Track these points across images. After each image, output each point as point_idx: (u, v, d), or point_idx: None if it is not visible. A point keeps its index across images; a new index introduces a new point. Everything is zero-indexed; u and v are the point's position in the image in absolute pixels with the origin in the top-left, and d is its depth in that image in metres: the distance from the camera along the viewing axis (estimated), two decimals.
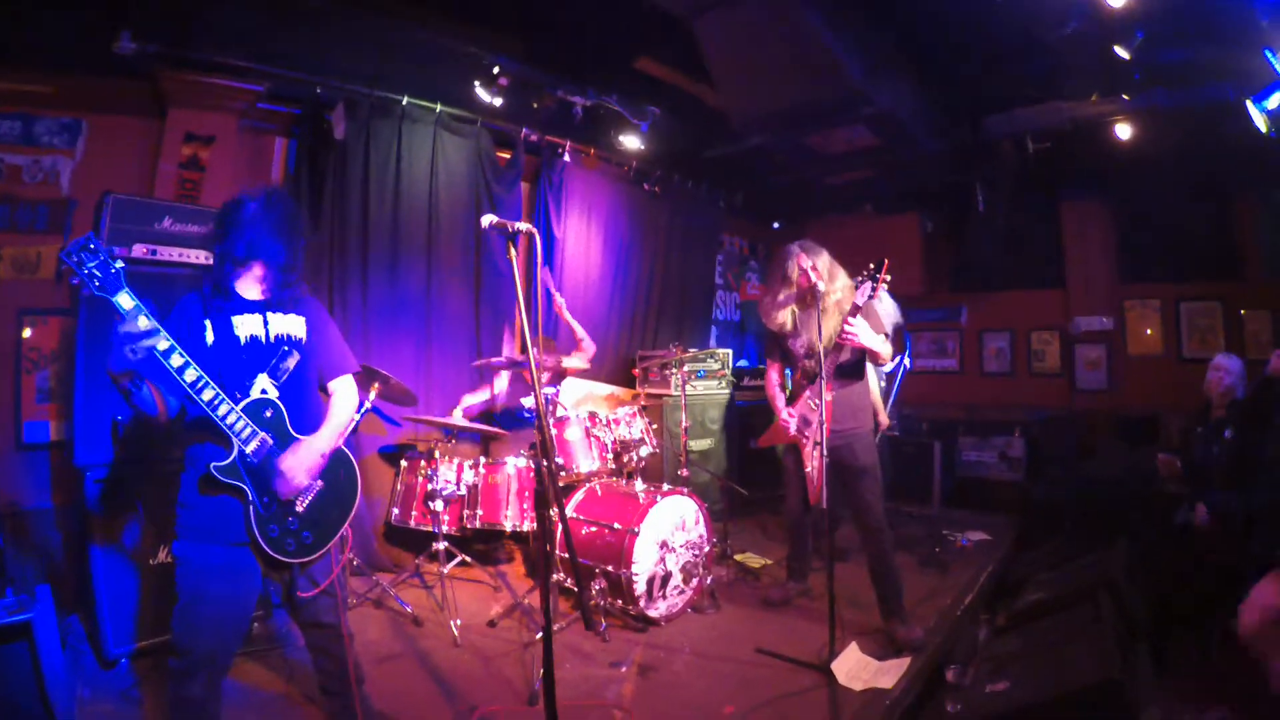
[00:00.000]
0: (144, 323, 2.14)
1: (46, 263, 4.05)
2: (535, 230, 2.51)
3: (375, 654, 3.67)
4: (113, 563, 3.39)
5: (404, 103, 5.04)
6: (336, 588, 2.72)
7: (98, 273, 2.14)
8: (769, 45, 4.67)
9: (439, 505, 4.33)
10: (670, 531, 4.18)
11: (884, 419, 5.10)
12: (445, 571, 4.35)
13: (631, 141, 5.83)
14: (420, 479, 4.57)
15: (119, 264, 2.17)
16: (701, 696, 3.34)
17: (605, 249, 6.62)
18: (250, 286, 2.58)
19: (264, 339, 2.55)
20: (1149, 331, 7.17)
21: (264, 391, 2.51)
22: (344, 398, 2.80)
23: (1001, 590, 4.92)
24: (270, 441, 2.45)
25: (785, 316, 4.05)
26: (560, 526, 2.57)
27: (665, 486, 4.46)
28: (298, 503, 2.52)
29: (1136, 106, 5.37)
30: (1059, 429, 7.23)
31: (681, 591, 4.26)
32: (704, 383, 6.41)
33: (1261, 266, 6.52)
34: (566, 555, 4.03)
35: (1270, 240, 6.42)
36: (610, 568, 4.00)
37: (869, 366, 4.16)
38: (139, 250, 3.53)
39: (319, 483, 2.58)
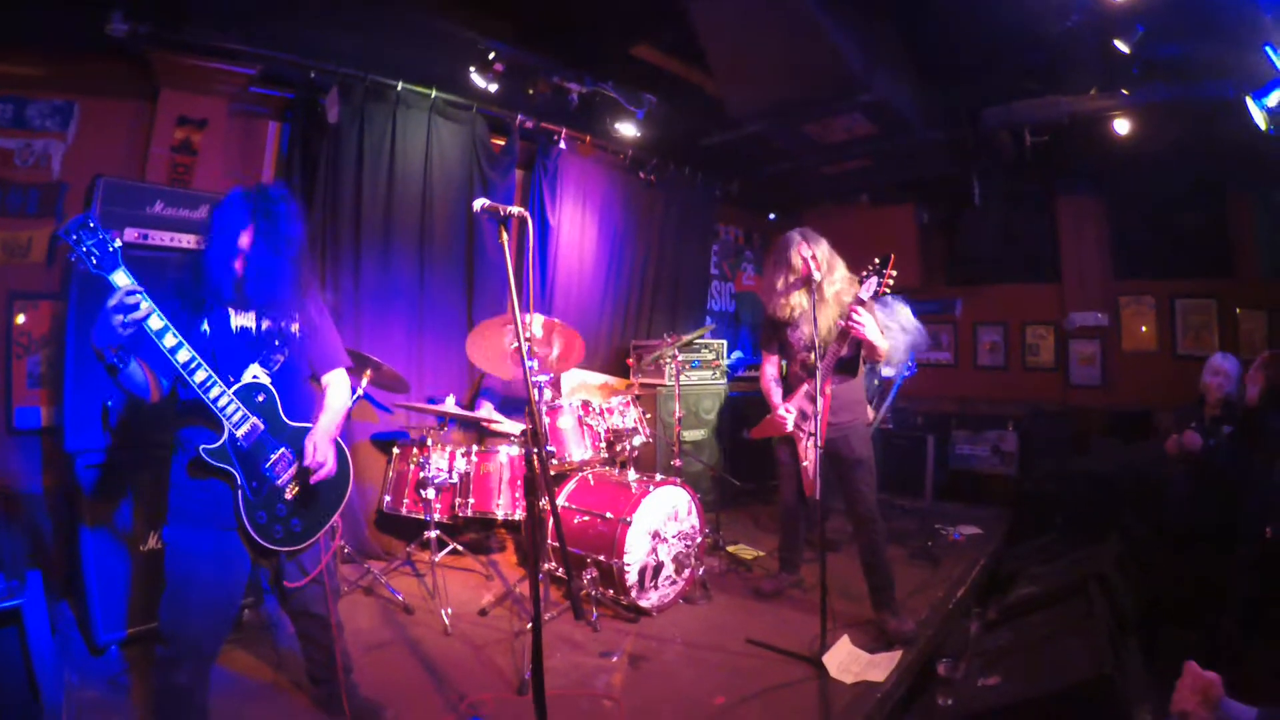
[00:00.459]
0: (137, 299, 2.13)
1: (37, 246, 4.01)
2: (527, 214, 2.50)
3: (365, 642, 3.66)
4: (103, 548, 3.37)
5: (399, 88, 5.00)
6: (326, 577, 2.72)
7: (95, 251, 2.14)
8: (766, 31, 4.63)
9: (431, 493, 4.31)
10: (663, 522, 4.18)
11: (870, 413, 5.10)
12: (436, 560, 4.35)
13: (627, 129, 5.80)
14: (412, 466, 4.56)
15: (117, 243, 2.18)
16: (692, 687, 3.34)
17: (600, 237, 6.59)
18: None
19: (255, 330, 2.55)
20: (1143, 328, 7.17)
21: (256, 377, 2.50)
22: (339, 387, 2.81)
23: (993, 584, 4.93)
24: (261, 426, 2.45)
25: (792, 303, 4.00)
26: (551, 516, 2.57)
27: (658, 476, 4.46)
28: (287, 490, 2.52)
29: (1135, 102, 5.35)
30: (1052, 424, 7.24)
31: (673, 582, 4.26)
32: (698, 373, 6.41)
33: (1257, 265, 6.52)
34: (558, 544, 4.05)
35: (1267, 239, 6.41)
36: (602, 557, 3.99)
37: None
38: (130, 234, 3.50)
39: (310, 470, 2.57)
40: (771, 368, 4.27)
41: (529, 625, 3.69)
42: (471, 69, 4.93)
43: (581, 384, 5.95)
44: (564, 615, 3.98)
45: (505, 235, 2.42)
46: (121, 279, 2.14)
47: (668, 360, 5.36)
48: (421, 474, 4.38)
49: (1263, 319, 6.46)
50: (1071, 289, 7.53)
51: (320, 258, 4.75)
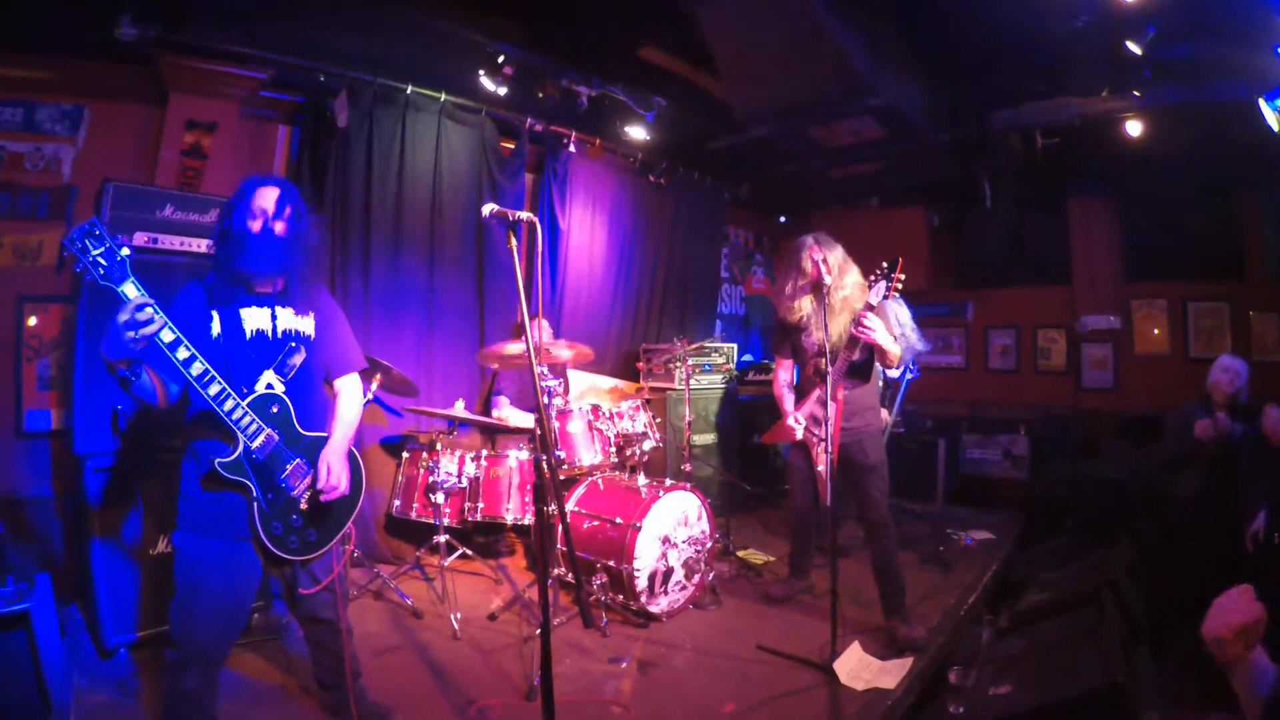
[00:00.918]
0: (149, 313, 2.09)
1: (48, 250, 4.02)
2: (536, 219, 2.48)
3: (374, 646, 3.66)
4: (112, 552, 3.37)
5: (408, 91, 5.01)
6: (336, 584, 2.71)
7: (102, 260, 2.09)
8: (773, 34, 4.62)
9: (440, 497, 4.30)
10: (673, 527, 4.16)
11: (885, 416, 5.07)
12: (446, 564, 4.34)
13: (637, 132, 5.80)
14: (421, 471, 4.55)
15: (125, 251, 2.13)
16: (701, 694, 3.32)
17: (609, 241, 6.58)
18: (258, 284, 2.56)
19: (270, 334, 2.53)
20: (1155, 331, 7.13)
21: (270, 387, 2.48)
22: (350, 396, 2.79)
23: (1004, 590, 4.89)
24: (276, 438, 2.43)
25: (802, 307, 3.98)
26: (560, 522, 2.55)
27: (668, 481, 4.43)
28: (302, 501, 2.50)
29: (1146, 104, 5.32)
30: (1063, 428, 7.20)
31: (683, 587, 4.24)
32: (708, 377, 6.39)
33: (1269, 268, 6.47)
34: (567, 550, 4.03)
35: (1277, 241, 6.36)
36: (612, 563, 3.98)
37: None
38: (140, 238, 3.50)
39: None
40: (785, 373, 4.24)
41: (538, 631, 3.68)
42: (480, 72, 4.94)
43: (591, 388, 5.93)
44: (573, 621, 3.95)
45: (514, 240, 2.41)
46: (131, 290, 2.10)
47: (678, 364, 5.35)
48: (431, 478, 4.36)
49: (1275, 322, 6.42)
50: (1083, 292, 7.48)
51: (330, 261, 4.75)
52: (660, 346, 6.31)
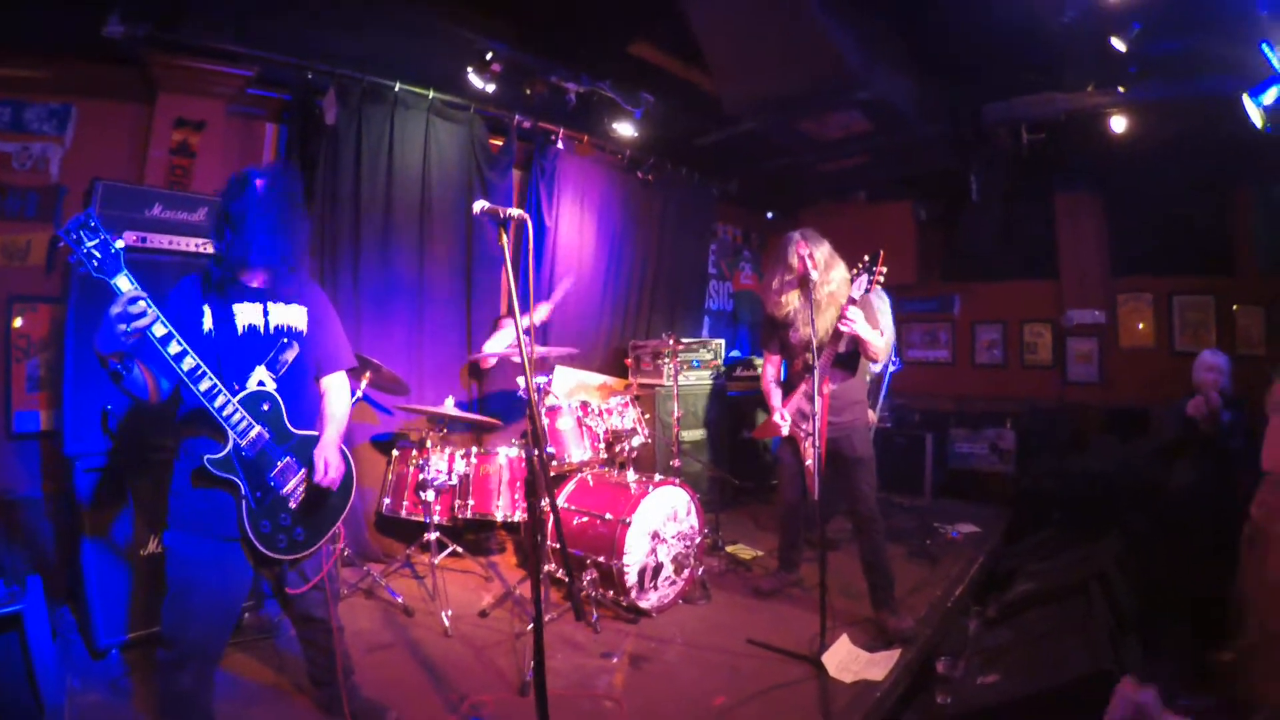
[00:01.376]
0: (141, 305, 2.10)
1: (36, 250, 4.01)
2: (527, 217, 2.50)
3: (366, 644, 3.67)
4: (103, 552, 3.37)
5: (396, 88, 5.00)
6: (326, 583, 2.72)
7: (97, 253, 2.10)
8: (764, 27, 4.63)
9: (430, 495, 4.31)
10: (662, 522, 4.19)
11: (872, 416, 5.11)
12: (436, 562, 4.35)
13: (625, 129, 5.81)
14: (411, 468, 4.55)
15: (119, 244, 2.13)
16: (692, 687, 3.35)
17: (598, 237, 6.59)
18: (252, 275, 2.56)
19: (263, 329, 2.53)
20: (1141, 325, 7.18)
21: (261, 384, 2.49)
22: (338, 392, 2.80)
23: (992, 582, 4.94)
24: (266, 435, 2.44)
25: (789, 302, 4.02)
26: (551, 517, 2.57)
27: (657, 477, 4.45)
28: (291, 499, 2.51)
29: (1132, 99, 5.36)
30: (1050, 421, 7.25)
31: (673, 582, 4.27)
32: (697, 373, 6.41)
33: (1255, 262, 6.52)
34: (558, 546, 4.05)
35: (1264, 235, 6.41)
36: (602, 558, 4.00)
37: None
38: (129, 238, 3.48)
39: (311, 480, 2.57)
40: (772, 368, 4.27)
41: (529, 626, 3.71)
42: (469, 69, 4.94)
43: (580, 384, 5.95)
44: (564, 616, 3.99)
45: (505, 237, 2.42)
46: (124, 283, 2.11)
47: (666, 360, 5.36)
48: (421, 476, 4.37)
49: (1260, 315, 6.47)
50: (1070, 286, 7.53)
51: (319, 260, 4.75)
52: (649, 343, 6.32)
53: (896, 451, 6.65)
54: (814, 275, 3.78)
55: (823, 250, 3.93)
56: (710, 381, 6.50)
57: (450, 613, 3.93)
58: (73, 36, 3.86)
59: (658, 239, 7.24)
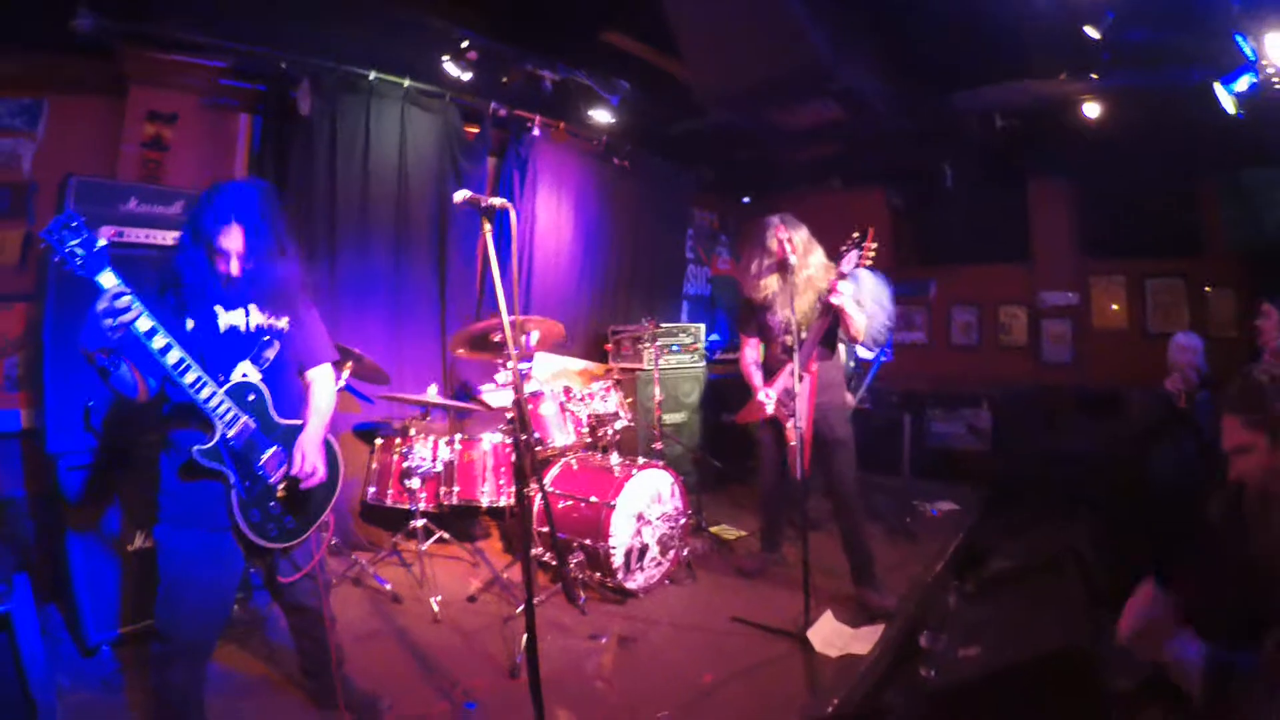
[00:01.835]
0: (126, 300, 2.10)
1: (9, 248, 3.95)
2: (510, 205, 2.51)
3: (355, 632, 3.68)
4: (90, 549, 3.35)
5: (371, 78, 4.97)
6: (318, 572, 2.74)
7: (79, 251, 2.09)
8: (734, 15, 4.64)
9: (415, 483, 4.33)
10: (646, 504, 4.24)
11: (850, 398, 5.17)
12: (423, 549, 4.38)
13: (602, 116, 5.81)
14: (395, 457, 4.56)
15: (102, 242, 2.13)
16: (681, 665, 3.41)
17: (575, 223, 6.59)
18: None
19: (244, 328, 2.53)
20: (1114, 307, 7.28)
21: (245, 376, 2.49)
22: (323, 385, 2.81)
23: (970, 558, 5.02)
24: (253, 425, 2.45)
25: (768, 286, 4.05)
26: (540, 499, 2.60)
27: (640, 460, 4.50)
28: (279, 488, 2.53)
29: (1104, 86, 5.42)
30: (1024, 402, 7.35)
31: (658, 564, 4.32)
32: (677, 357, 6.45)
33: (1224, 244, 6.62)
34: (545, 529, 4.09)
35: (1233, 218, 6.51)
36: (588, 541, 4.04)
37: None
38: (106, 233, 3.44)
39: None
40: (751, 351, 4.32)
41: (518, 610, 3.74)
42: (444, 58, 4.91)
43: (562, 370, 5.97)
44: (552, 599, 4.03)
45: (488, 226, 2.44)
46: (109, 279, 2.10)
47: (646, 345, 5.39)
48: (405, 464, 4.38)
49: (1230, 296, 6.59)
50: (1043, 269, 7.63)
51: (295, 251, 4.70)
52: (629, 328, 6.35)
53: (875, 432, 6.70)
54: (793, 260, 3.82)
55: (801, 235, 3.98)
56: (691, 365, 6.53)
57: (439, 599, 3.97)
58: (43, 30, 3.78)
59: (635, 225, 7.25)
